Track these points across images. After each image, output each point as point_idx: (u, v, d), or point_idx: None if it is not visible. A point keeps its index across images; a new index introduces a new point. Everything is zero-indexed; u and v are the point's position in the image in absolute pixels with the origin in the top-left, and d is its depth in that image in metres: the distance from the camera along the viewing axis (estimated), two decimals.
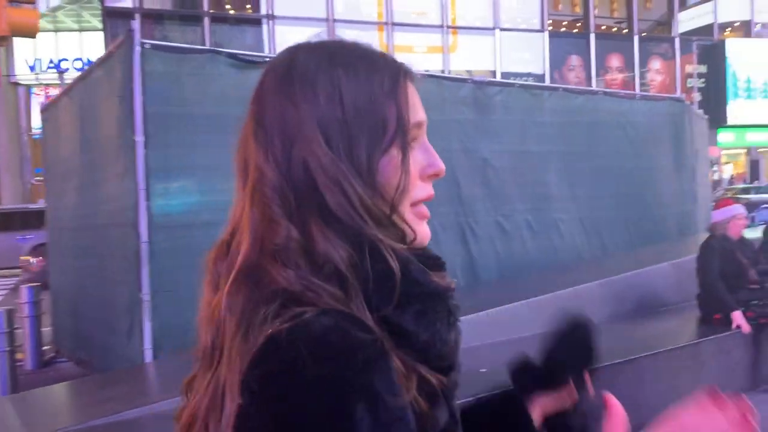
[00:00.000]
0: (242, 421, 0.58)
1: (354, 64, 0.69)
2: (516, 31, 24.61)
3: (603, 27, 26.47)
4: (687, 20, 27.38)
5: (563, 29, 25.98)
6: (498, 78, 20.50)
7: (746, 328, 4.74)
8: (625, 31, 26.20)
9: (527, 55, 24.83)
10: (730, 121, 26.64)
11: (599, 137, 6.76)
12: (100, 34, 20.16)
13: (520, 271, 6.11)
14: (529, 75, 23.86)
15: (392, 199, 0.67)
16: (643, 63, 26.10)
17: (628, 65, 25.98)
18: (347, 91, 0.67)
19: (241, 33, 20.87)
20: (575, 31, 25.90)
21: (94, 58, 8.09)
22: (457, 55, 23.05)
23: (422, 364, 0.64)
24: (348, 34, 0.75)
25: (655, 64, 26.47)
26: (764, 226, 5.87)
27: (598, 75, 25.18)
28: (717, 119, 26.92)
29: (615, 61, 26.09)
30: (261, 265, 0.63)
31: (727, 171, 29.73)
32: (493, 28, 23.94)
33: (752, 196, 10.95)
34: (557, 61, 24.92)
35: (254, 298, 0.62)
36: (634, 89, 25.29)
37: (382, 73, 0.69)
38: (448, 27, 23.04)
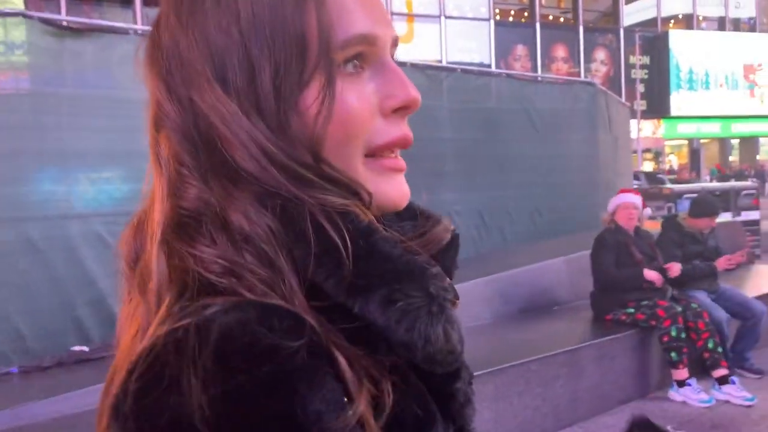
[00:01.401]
0: None
1: None
2: (463, 19, 24.42)
3: (550, 17, 26.40)
4: (632, 13, 27.57)
5: (510, 19, 25.77)
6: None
7: (674, 270, 4.55)
8: (572, 22, 26.15)
9: (473, 44, 24.66)
10: (673, 112, 26.88)
11: (501, 122, 6.30)
12: None
13: None
14: (476, 64, 23.70)
15: (313, 147, 0.50)
16: (588, 54, 26.13)
17: (573, 56, 25.99)
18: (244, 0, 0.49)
19: None
20: (523, 20, 25.73)
21: None
22: (405, 43, 22.58)
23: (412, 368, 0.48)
24: None
25: (600, 55, 26.56)
26: (663, 219, 5.41)
27: (543, 65, 25.12)
28: (661, 110, 27.19)
29: (560, 51, 26.10)
30: (166, 239, 0.48)
31: (673, 162, 30.10)
32: (439, 16, 23.59)
33: (675, 186, 10.66)
34: (503, 51, 24.78)
35: (157, 286, 0.47)
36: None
37: None
38: (404, 15, 22.60)
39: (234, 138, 0.49)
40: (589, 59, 26.21)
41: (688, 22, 28.40)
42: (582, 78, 6.81)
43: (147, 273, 0.50)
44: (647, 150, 28.85)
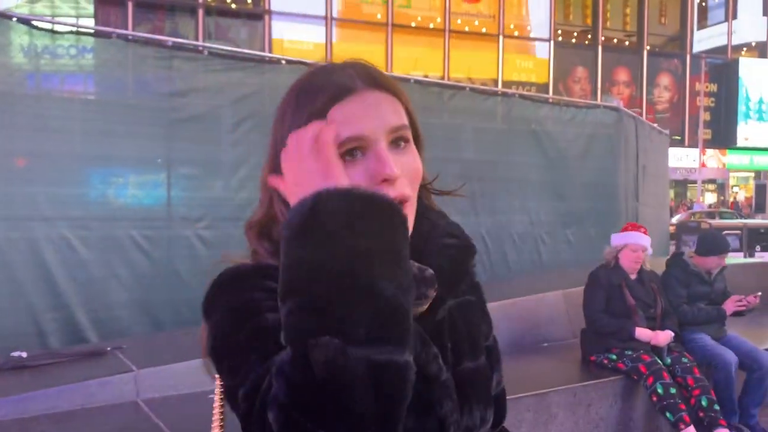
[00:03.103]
0: None
1: (296, 95, 0.84)
2: (522, 39, 24.09)
3: (615, 40, 25.68)
4: (702, 39, 26.58)
5: (573, 40, 25.20)
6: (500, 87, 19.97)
7: (658, 338, 4.12)
8: (636, 45, 25.37)
9: (531, 65, 24.28)
10: (739, 143, 25.63)
11: (509, 145, 6.02)
12: None
13: None
14: (532, 85, 23.30)
15: None
16: (651, 78, 25.29)
17: (636, 80, 25.21)
18: (281, 123, 0.85)
19: None
20: (587, 42, 25.12)
21: None
22: (456, 62, 22.47)
23: None
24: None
25: (664, 80, 25.66)
26: (670, 257, 4.99)
27: (603, 88, 24.47)
28: (726, 140, 25.97)
29: (623, 75, 25.38)
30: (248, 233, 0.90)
31: (740, 194, 28.62)
32: (498, 35, 23.34)
33: (715, 221, 10.02)
34: (562, 72, 24.29)
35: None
36: (641, 105, 24.55)
37: (314, 102, 0.80)
38: (450, 31, 22.50)
39: (271, 199, 0.88)
40: (652, 84, 25.36)
41: (761, 50, 27.12)
42: (604, 102, 6.46)
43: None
44: (710, 181, 27.58)
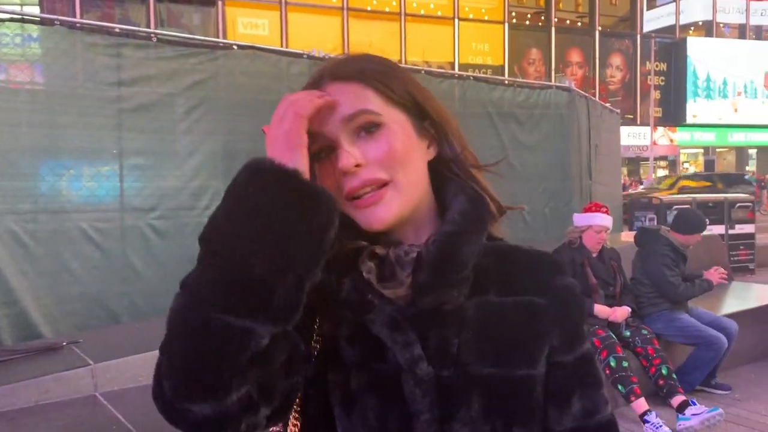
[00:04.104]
0: None
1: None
2: (476, 21, 24.17)
3: (567, 21, 25.99)
4: (652, 19, 27.08)
5: (527, 22, 25.42)
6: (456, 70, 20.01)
7: (615, 314, 4.20)
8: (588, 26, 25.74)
9: (487, 47, 24.41)
10: (689, 120, 26.31)
11: (465, 127, 6.04)
12: None
13: None
14: (488, 67, 23.45)
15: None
16: (603, 59, 25.69)
17: (588, 61, 25.58)
18: None
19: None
20: (540, 24, 25.37)
21: None
22: (413, 45, 22.44)
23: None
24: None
25: (616, 60, 26.10)
26: (642, 230, 4.99)
27: (557, 69, 24.77)
28: (676, 118, 26.65)
29: (575, 56, 25.70)
30: None
31: (690, 170, 29.45)
32: (453, 18, 23.37)
33: (666, 197, 10.30)
34: (517, 54, 24.48)
35: None
36: (594, 85, 24.97)
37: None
38: (406, 15, 22.44)
39: None
40: (604, 64, 25.78)
41: (708, 29, 27.82)
42: (557, 83, 6.53)
43: None
44: (662, 158, 28.29)
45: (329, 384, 0.80)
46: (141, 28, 12.97)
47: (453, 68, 21.84)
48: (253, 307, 0.66)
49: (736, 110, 26.85)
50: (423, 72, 6.16)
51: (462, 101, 6.15)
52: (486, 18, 24.23)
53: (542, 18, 25.32)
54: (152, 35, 5.42)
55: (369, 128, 0.78)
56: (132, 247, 4.32)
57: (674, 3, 27.08)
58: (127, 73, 4.40)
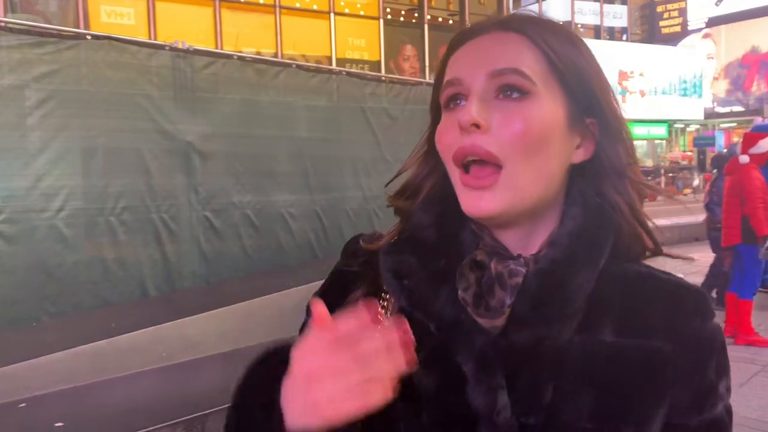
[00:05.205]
0: None
1: None
2: (352, 16, 24.29)
3: (440, 19, 26.76)
4: None
5: (401, 18, 25.90)
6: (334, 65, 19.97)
7: None
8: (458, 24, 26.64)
9: (364, 42, 24.61)
10: None
11: (340, 122, 6.08)
12: None
13: (235, 275, 5.29)
14: (365, 63, 23.65)
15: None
16: None
17: None
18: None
19: None
20: (414, 21, 25.93)
21: None
22: (289, 38, 22.17)
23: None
24: None
25: None
26: None
27: (431, 66, 25.44)
28: None
29: None
30: None
31: None
32: (329, 12, 23.35)
33: None
34: (393, 50, 24.89)
35: None
36: None
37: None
38: (281, 7, 22.09)
39: None
40: None
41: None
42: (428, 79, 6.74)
43: None
44: None
45: (397, 408, 0.62)
46: None
47: (330, 63, 21.83)
48: None
49: None
50: (294, 66, 6.07)
51: (335, 96, 6.14)
52: (362, 13, 24.44)
53: (415, 15, 25.91)
54: None
55: (512, 92, 0.66)
56: None
57: (537, 3, 28.66)
58: None
